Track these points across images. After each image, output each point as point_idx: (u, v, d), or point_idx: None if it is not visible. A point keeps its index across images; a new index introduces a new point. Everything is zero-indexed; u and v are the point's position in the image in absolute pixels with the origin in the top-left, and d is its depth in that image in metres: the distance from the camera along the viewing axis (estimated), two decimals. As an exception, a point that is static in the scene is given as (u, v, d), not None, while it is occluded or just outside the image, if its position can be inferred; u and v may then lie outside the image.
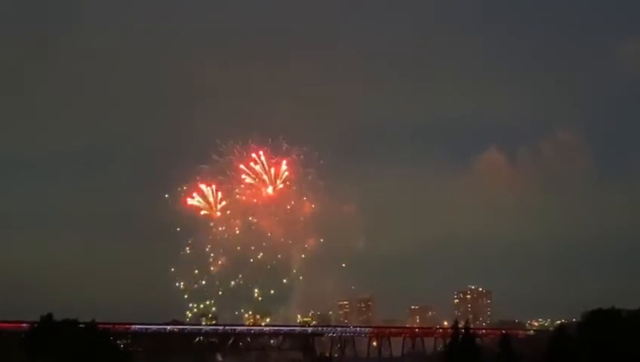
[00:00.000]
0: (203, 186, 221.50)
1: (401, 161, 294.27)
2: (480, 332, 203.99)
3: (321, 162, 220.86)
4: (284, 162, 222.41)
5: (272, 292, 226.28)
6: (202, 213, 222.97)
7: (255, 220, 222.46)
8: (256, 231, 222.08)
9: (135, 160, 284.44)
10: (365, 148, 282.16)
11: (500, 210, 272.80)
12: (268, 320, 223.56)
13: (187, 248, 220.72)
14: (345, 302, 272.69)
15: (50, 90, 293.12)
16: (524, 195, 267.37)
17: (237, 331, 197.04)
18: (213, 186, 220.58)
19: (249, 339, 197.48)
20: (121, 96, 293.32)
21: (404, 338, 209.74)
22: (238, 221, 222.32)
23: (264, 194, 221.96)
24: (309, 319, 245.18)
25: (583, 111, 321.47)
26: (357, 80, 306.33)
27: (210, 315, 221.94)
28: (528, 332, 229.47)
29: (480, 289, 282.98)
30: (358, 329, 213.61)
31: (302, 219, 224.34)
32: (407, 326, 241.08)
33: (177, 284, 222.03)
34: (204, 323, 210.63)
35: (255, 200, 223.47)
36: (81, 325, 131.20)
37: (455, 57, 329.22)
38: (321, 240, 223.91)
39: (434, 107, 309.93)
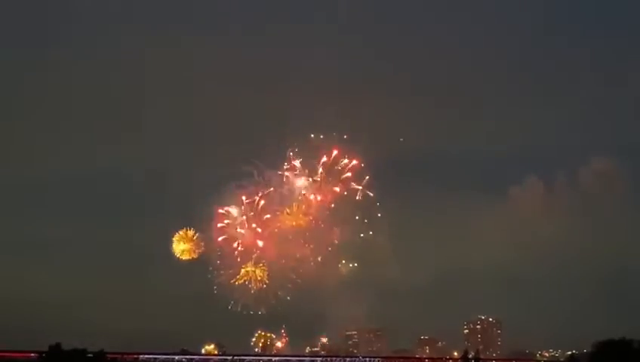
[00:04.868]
0: (232, 210, 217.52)
1: (435, 191, 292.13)
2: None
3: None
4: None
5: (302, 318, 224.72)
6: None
7: (286, 246, 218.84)
8: (287, 258, 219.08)
9: (144, 186, 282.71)
10: (399, 177, 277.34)
11: (527, 243, 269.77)
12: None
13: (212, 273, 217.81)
14: (354, 332, 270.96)
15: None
16: (557, 225, 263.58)
17: (245, 361, 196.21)
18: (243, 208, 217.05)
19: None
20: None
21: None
22: (267, 244, 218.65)
23: (297, 220, 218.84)
24: (319, 349, 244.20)
25: (620, 138, 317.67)
26: (392, 109, 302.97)
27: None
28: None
29: (490, 319, 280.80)
30: (367, 359, 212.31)
31: (331, 246, 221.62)
32: (417, 356, 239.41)
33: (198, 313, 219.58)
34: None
35: (287, 225, 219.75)
36: (89, 354, 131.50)
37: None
38: (352, 266, 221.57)
39: (468, 136, 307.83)
